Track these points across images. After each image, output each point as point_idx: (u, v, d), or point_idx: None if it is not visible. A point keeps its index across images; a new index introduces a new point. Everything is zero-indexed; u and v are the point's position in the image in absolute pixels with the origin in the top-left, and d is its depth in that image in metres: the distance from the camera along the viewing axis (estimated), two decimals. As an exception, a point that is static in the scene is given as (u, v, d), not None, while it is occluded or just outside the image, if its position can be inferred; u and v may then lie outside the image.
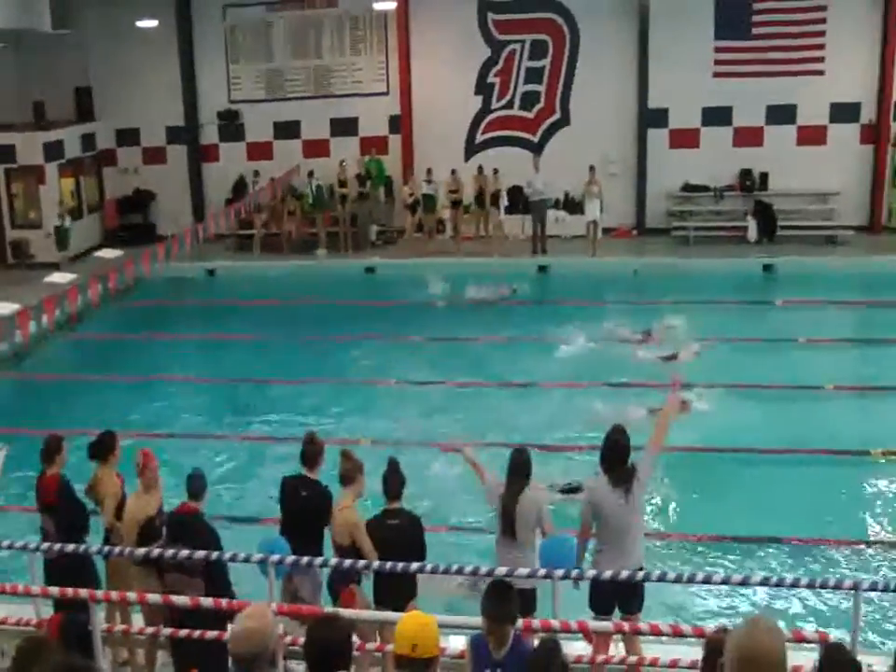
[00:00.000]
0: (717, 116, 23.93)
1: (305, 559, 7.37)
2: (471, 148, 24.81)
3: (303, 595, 7.78)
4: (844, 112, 23.90)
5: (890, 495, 12.13)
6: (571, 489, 11.43)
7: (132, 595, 7.29)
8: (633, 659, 7.51)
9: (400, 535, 7.53)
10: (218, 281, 22.99)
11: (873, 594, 8.48)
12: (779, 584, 7.62)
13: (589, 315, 18.15)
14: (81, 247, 24.15)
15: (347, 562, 7.34)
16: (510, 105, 24.76)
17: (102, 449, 8.11)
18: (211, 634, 6.90)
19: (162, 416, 14.59)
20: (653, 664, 7.46)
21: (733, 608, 9.35)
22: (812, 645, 6.40)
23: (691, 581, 7.45)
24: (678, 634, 7.13)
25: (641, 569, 7.36)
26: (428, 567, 7.35)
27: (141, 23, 23.91)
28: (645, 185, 24.06)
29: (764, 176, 23.80)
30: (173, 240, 20.04)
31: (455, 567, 7.35)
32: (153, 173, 26.08)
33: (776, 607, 9.38)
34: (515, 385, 15.34)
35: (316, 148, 25.09)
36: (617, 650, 7.57)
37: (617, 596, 7.54)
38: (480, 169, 23.58)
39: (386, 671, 7.64)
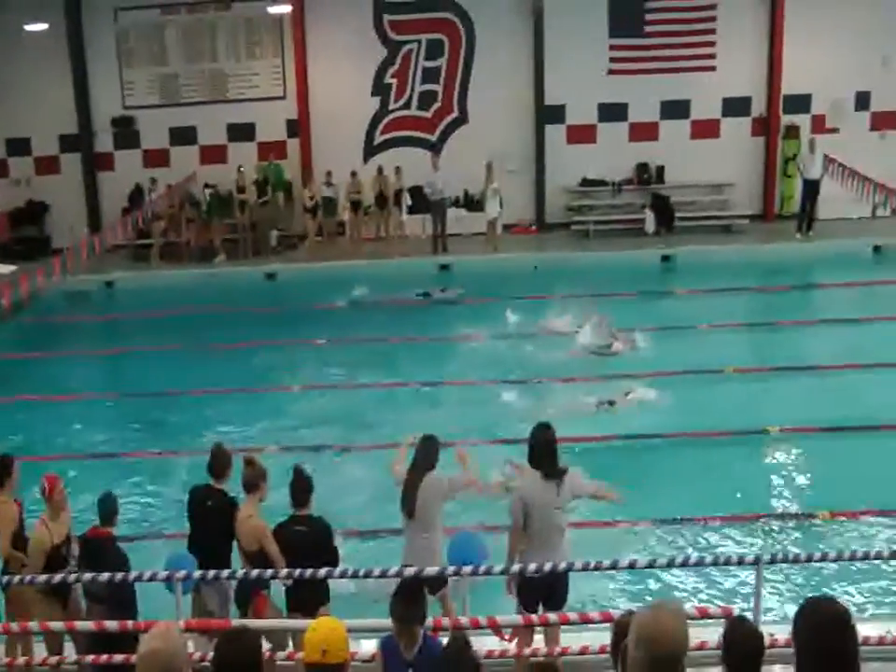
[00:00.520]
0: (613, 112, 24.33)
1: (212, 573, 7.30)
2: (370, 150, 24.78)
3: (211, 608, 7.71)
4: (735, 106, 24.58)
5: (788, 469, 12.77)
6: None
7: (33, 625, 7.11)
8: (544, 650, 7.60)
9: (307, 541, 7.51)
10: (118, 293, 22.47)
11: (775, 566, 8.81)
12: (684, 564, 7.81)
13: (499, 311, 18.33)
14: (-29, 263, 23.47)
15: (255, 572, 7.29)
16: (407, 105, 24.79)
17: (-4, 473, 7.85)
18: (118, 658, 6.79)
19: (64, 437, 14.17)
20: (564, 652, 7.59)
21: (646, 591, 9.48)
22: (718, 620, 6.56)
23: (597, 568, 7.56)
24: (585, 621, 7.27)
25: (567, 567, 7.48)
26: (337, 571, 7.35)
27: (29, 27, 23.23)
28: (544, 181, 24.31)
29: (661, 170, 24.31)
30: (68, 252, 19.50)
31: (362, 571, 7.33)
32: (46, 183, 25.34)
33: (686, 586, 9.57)
34: (444, 384, 15.31)
35: (214, 154, 24.77)
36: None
37: (542, 594, 7.65)
38: (380, 170, 23.57)
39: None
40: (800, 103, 24.61)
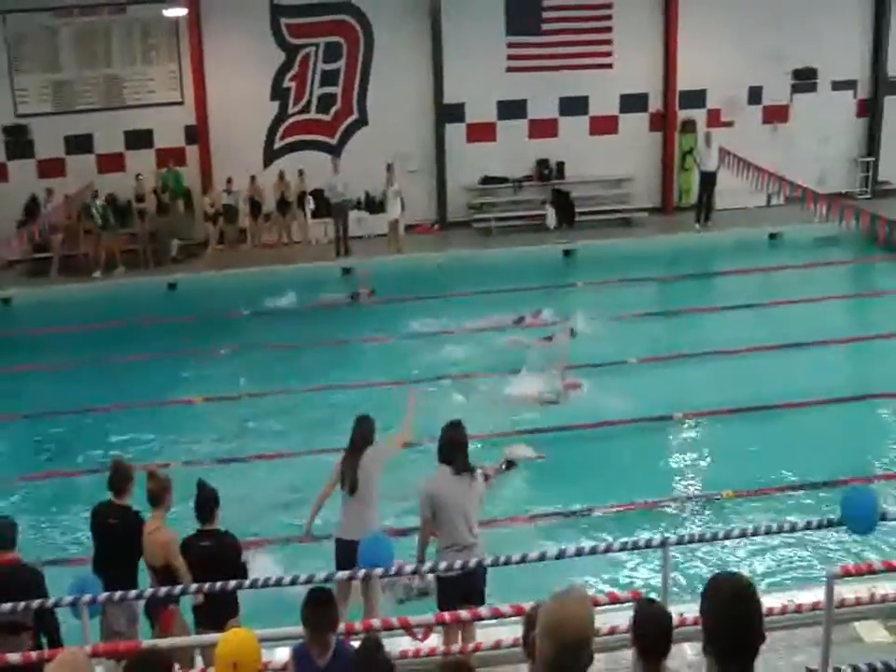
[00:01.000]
0: (512, 109, 24.47)
1: (118, 594, 7.13)
2: (271, 155, 24.52)
3: (118, 627, 7.55)
4: (632, 102, 24.97)
5: (693, 452, 13.11)
6: (509, 464, 12.12)
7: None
8: (456, 647, 7.65)
9: (214, 556, 7.44)
10: (14, 310, 21.61)
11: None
12: (594, 552, 7.89)
13: (407, 312, 18.42)
14: None
15: (163, 590, 7.17)
16: (306, 108, 24.59)
17: None
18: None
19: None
20: (477, 648, 7.63)
21: (559, 581, 9.52)
22: (628, 604, 6.64)
23: (507, 563, 7.55)
24: (497, 615, 7.31)
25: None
26: (247, 582, 7.27)
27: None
28: (444, 180, 24.35)
29: (561, 166, 24.54)
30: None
31: (273, 579, 7.27)
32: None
33: (599, 573, 9.70)
34: (352, 387, 15.15)
35: (111, 163, 24.15)
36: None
37: (462, 592, 7.69)
38: (281, 175, 23.37)
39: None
40: (695, 98, 25.12)
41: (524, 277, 20.01)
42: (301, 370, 16.34)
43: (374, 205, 23.88)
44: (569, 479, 12.02)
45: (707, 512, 11.24)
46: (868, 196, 25.55)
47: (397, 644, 7.59)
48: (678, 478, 12.30)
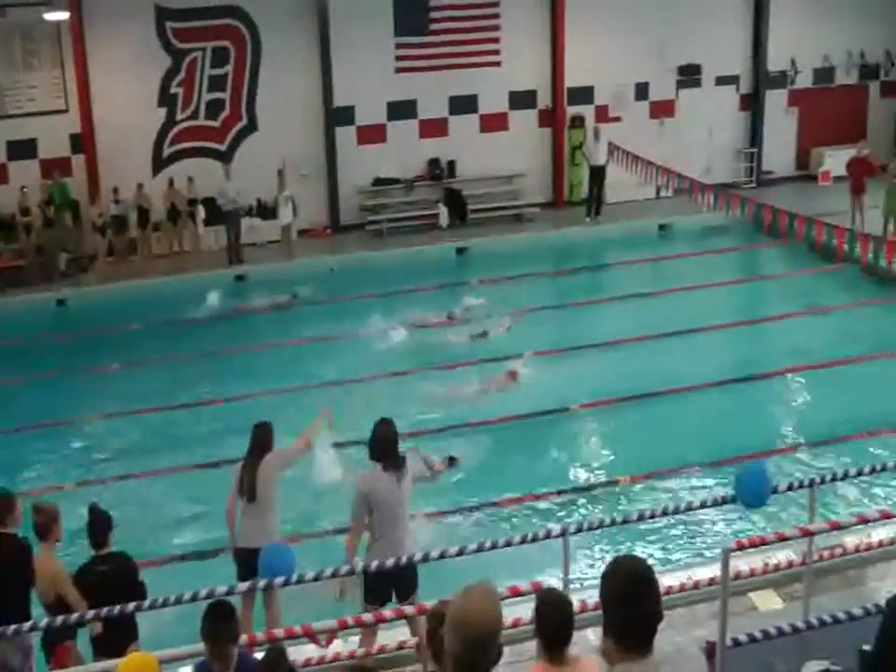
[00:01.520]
0: (402, 110, 24.44)
1: (12, 628, 6.83)
2: (160, 163, 23.99)
3: (12, 664, 7.26)
4: (522, 99, 25.16)
5: (591, 441, 13.36)
6: (451, 460, 12.16)
7: None
8: (361, 651, 7.73)
9: (112, 580, 7.25)
10: None
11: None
12: (494, 547, 7.89)
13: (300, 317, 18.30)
14: None
15: (59, 618, 6.94)
16: (195, 114, 24.12)
17: None
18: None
19: None
20: (380, 650, 7.65)
21: (464, 578, 9.54)
22: (530, 596, 6.68)
23: (410, 562, 7.53)
24: (400, 616, 7.33)
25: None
26: (146, 603, 7.09)
27: None
28: (336, 183, 24.17)
29: (452, 164, 24.62)
30: None
31: (172, 598, 7.08)
32: None
33: (502, 567, 9.71)
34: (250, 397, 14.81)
35: (-7, 175, 23.49)
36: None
37: (393, 584, 7.74)
38: (171, 182, 22.96)
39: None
40: (583, 94, 25.45)
41: (417, 277, 20.01)
42: (200, 381, 15.91)
43: (266, 211, 23.58)
44: (474, 474, 12.11)
45: (607, 499, 11.41)
46: (753, 186, 26.28)
47: (301, 652, 7.60)
48: (577, 468, 12.43)
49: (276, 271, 21.39)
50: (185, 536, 10.97)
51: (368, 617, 7.28)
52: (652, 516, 8.34)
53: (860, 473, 8.64)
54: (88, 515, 7.46)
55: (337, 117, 24.08)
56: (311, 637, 7.28)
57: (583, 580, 9.13)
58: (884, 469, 8.69)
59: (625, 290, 18.92)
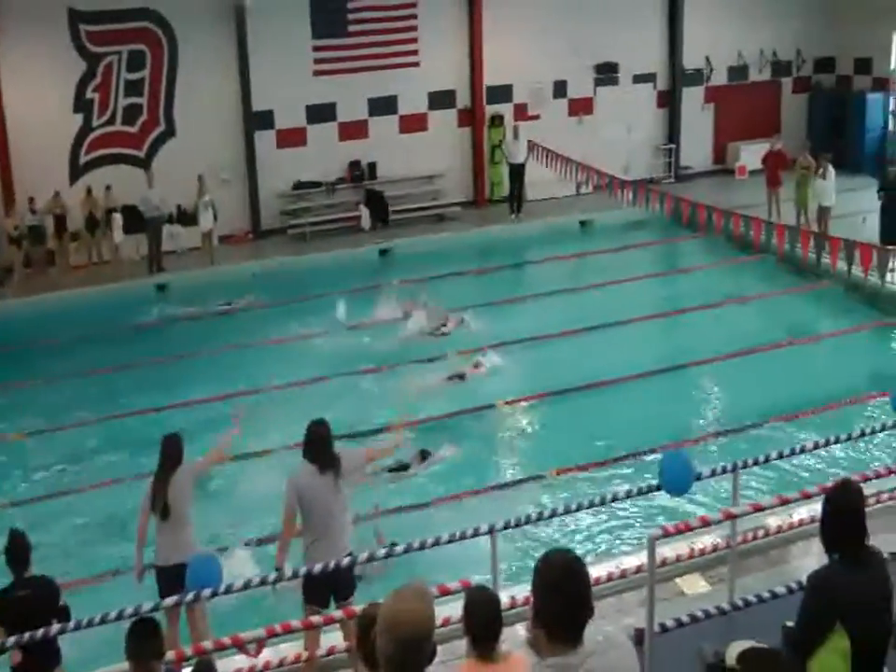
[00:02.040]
0: (321, 113, 24.30)
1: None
2: (76, 171, 23.50)
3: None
4: (441, 99, 25.21)
5: (518, 437, 13.35)
6: (398, 468, 12.10)
7: None
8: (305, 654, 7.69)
9: (32, 605, 7.07)
10: None
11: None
12: (422, 547, 7.89)
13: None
14: None
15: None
16: (112, 120, 23.61)
17: None
18: None
19: None
20: (311, 657, 7.63)
21: (395, 580, 9.53)
22: (459, 594, 6.67)
23: (337, 566, 7.48)
24: (329, 622, 7.29)
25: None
26: (71, 625, 6.94)
27: None
28: (257, 188, 23.92)
29: (373, 166, 24.53)
30: None
31: (97, 618, 6.90)
32: None
33: (433, 567, 9.71)
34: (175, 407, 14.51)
35: None
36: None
37: (331, 586, 7.71)
38: (89, 191, 22.49)
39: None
40: (502, 93, 25.59)
41: (339, 280, 19.83)
42: (124, 393, 15.47)
43: (186, 218, 23.24)
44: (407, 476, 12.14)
45: (534, 493, 11.46)
46: (672, 181, 26.69)
47: (231, 663, 7.54)
48: (504, 463, 12.50)
49: (198, 278, 21.03)
50: (109, 553, 10.70)
51: (295, 623, 7.21)
52: (579, 509, 8.41)
53: (780, 456, 8.77)
54: (6, 538, 7.30)
55: (256, 121, 23.86)
56: (240, 647, 7.20)
57: (513, 575, 9.14)
58: (803, 450, 8.88)
59: (549, 287, 19.04)
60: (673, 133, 27.31)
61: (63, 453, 13.67)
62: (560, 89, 26.22)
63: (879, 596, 5.16)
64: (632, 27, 26.05)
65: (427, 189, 25.03)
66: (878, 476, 8.29)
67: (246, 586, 7.11)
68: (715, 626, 7.10)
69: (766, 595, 7.12)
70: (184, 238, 22.84)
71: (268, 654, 7.67)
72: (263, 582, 7.20)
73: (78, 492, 12.30)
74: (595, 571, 8.42)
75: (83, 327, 18.35)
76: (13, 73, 22.44)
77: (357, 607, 6.92)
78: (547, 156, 23.09)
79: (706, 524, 7.48)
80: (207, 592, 6.98)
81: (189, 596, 7.08)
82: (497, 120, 25.50)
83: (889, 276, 16.31)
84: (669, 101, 27.27)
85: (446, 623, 7.26)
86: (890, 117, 26.10)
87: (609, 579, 8.56)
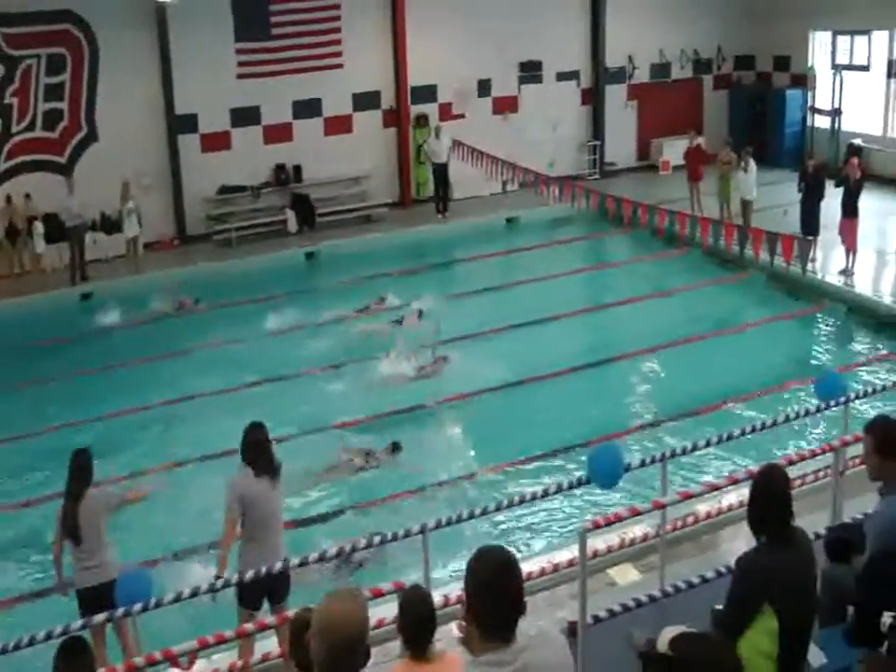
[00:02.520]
0: (245, 116, 24.04)
1: None
2: (-5, 179, 23.05)
3: None
4: (365, 100, 25.12)
5: (447, 437, 13.21)
6: (395, 446, 12.34)
7: None
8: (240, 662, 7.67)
9: None
10: None
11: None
12: (354, 549, 7.87)
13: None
14: None
15: None
16: (31, 126, 23.10)
17: None
18: None
19: None
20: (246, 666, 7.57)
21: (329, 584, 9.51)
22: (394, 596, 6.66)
23: (269, 571, 7.43)
24: (262, 627, 7.24)
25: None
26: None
27: None
28: (181, 193, 23.62)
29: (298, 169, 24.36)
30: None
31: (26, 639, 6.70)
32: None
33: (369, 569, 9.72)
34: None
35: None
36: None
37: (266, 589, 7.68)
38: (8, 199, 22.00)
39: None
40: (427, 93, 25.58)
41: (266, 285, 19.77)
42: (45, 406, 15.08)
43: (110, 225, 22.86)
44: (337, 480, 12.06)
45: (466, 492, 11.47)
46: (597, 177, 26.91)
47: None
48: (435, 462, 12.36)
49: (123, 286, 20.58)
50: (33, 574, 10.52)
51: (229, 633, 7.13)
52: (510, 505, 8.40)
53: (708, 444, 8.87)
54: None
55: (180, 125, 23.54)
56: (172, 660, 7.11)
57: (446, 574, 9.13)
58: (730, 437, 8.99)
59: (477, 285, 19.12)
60: (597, 129, 27.55)
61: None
62: (485, 87, 26.27)
63: (805, 576, 5.27)
64: (555, 25, 26.21)
65: (354, 190, 24.91)
66: (802, 459, 8.40)
67: (177, 599, 7.00)
68: (647, 614, 7.17)
69: (696, 580, 7.21)
70: (108, 245, 22.43)
71: (202, 666, 7.59)
72: (195, 594, 7.10)
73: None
74: (528, 567, 8.47)
75: (5, 339, 17.82)
76: (-72, 77, 21.88)
77: (291, 611, 6.87)
78: (472, 154, 23.17)
79: (636, 514, 7.53)
80: (137, 607, 6.88)
81: (119, 612, 6.96)
82: (422, 120, 25.50)
83: (809, 266, 16.75)
84: (593, 98, 27.48)
85: (380, 624, 7.26)
86: (808, 112, 26.57)
87: (542, 573, 8.61)
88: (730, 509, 9.26)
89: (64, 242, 21.59)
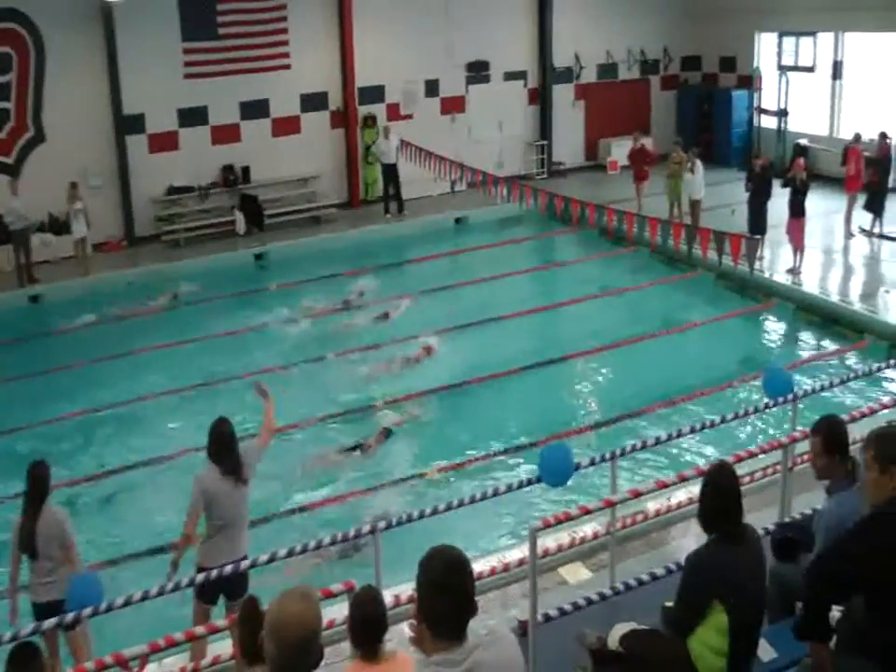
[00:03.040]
0: (193, 116, 23.83)
1: None
2: (-61, 181, 22.62)
3: None
4: (313, 101, 25.01)
5: (398, 437, 13.00)
6: (387, 432, 12.53)
7: None
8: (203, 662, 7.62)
9: None
10: None
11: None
12: (304, 550, 7.82)
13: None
14: None
15: None
16: (-24, 126, 22.86)
17: None
18: None
19: None
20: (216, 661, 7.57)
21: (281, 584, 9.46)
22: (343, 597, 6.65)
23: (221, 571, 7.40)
24: (213, 630, 7.21)
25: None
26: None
27: None
28: (129, 194, 23.34)
29: (246, 170, 24.19)
30: None
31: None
32: None
33: (323, 569, 9.68)
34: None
35: None
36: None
37: (223, 585, 7.62)
38: (-47, 202, 21.70)
39: None
40: (374, 93, 25.52)
41: (216, 286, 19.59)
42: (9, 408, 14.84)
43: (58, 226, 22.55)
44: (289, 479, 11.97)
45: (416, 492, 11.48)
46: (545, 176, 27.04)
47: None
48: (385, 463, 12.35)
49: (72, 288, 20.36)
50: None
51: (178, 636, 7.08)
52: (461, 505, 8.36)
53: (657, 442, 8.95)
54: None
55: (127, 125, 23.25)
56: (123, 665, 7.04)
57: (397, 574, 9.11)
58: (679, 435, 9.08)
59: (426, 285, 19.08)
60: (545, 129, 27.66)
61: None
62: (432, 88, 26.29)
63: (755, 573, 5.34)
64: (502, 26, 26.33)
65: (302, 191, 24.82)
66: (751, 456, 8.51)
67: (127, 602, 6.94)
68: (598, 612, 7.21)
69: (646, 577, 7.26)
70: (56, 247, 22.12)
71: (152, 669, 7.52)
72: (145, 597, 7.02)
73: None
74: (479, 566, 8.49)
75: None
76: None
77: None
78: (420, 155, 23.17)
79: (586, 512, 7.58)
80: (87, 611, 6.81)
81: (69, 617, 6.87)
82: (370, 121, 25.45)
83: (757, 265, 16.93)
84: (540, 98, 27.60)
85: (332, 625, 7.24)
86: (755, 113, 26.88)
87: (493, 573, 8.64)
88: (679, 506, 9.36)
89: (9, 244, 21.25)
